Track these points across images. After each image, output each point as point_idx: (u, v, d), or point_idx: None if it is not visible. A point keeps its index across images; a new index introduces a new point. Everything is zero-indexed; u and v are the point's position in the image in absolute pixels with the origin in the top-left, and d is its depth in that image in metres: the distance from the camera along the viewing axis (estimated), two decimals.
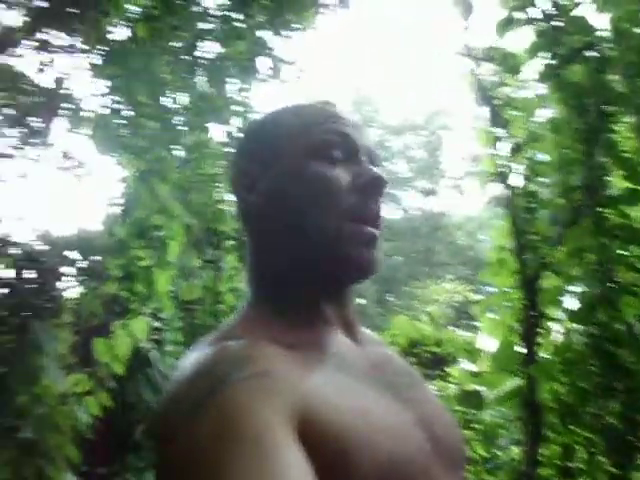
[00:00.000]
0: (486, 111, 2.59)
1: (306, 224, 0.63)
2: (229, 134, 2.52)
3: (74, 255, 2.08)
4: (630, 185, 2.03)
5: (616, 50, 2.30)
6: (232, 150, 2.80)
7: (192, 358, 0.55)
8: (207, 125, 2.36)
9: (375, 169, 0.65)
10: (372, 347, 0.68)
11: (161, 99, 2.15)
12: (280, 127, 0.68)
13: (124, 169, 2.42)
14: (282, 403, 0.48)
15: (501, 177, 2.45)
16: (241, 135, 0.74)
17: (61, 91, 2.53)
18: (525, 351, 2.10)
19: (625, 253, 1.96)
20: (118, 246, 2.04)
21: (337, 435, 0.49)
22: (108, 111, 2.25)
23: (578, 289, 2.08)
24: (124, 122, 2.25)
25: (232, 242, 3.50)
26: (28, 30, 2.72)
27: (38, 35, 2.73)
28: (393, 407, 0.58)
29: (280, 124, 0.68)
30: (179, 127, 2.22)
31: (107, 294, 2.24)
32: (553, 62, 2.25)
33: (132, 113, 2.13)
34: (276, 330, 0.59)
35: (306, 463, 0.45)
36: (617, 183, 2.13)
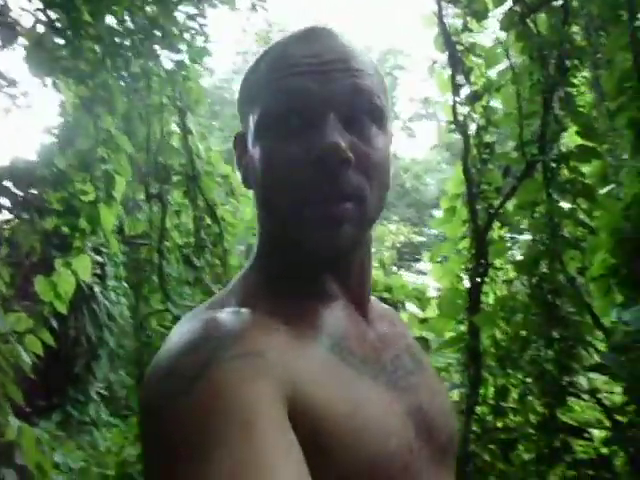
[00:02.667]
0: (447, 56, 2.53)
1: (268, 206, 0.58)
2: (179, 62, 2.36)
3: (9, 185, 1.94)
4: (583, 142, 2.05)
5: (579, 1, 2.28)
6: (181, 79, 2.64)
7: (185, 327, 0.52)
8: (157, 51, 2.20)
9: (331, 137, 0.53)
10: (379, 324, 0.64)
11: (106, 20, 1.97)
12: (248, 83, 0.61)
13: (62, 95, 2.24)
14: (273, 385, 0.46)
15: (458, 125, 2.43)
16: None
17: None
18: (470, 299, 2.17)
19: (574, 207, 2.01)
20: (58, 178, 1.91)
21: (322, 431, 0.48)
22: (44, 29, 2.04)
23: (525, 240, 2.14)
24: (63, 42, 2.06)
25: (179, 177, 3.38)
26: None
27: None
28: (386, 397, 0.56)
29: (249, 78, 0.61)
30: (126, 52, 2.05)
31: (46, 229, 2.12)
32: (517, 10, 2.21)
33: (72, 33, 1.95)
34: (274, 301, 0.56)
35: (295, 441, 0.44)
36: (571, 139, 2.15)
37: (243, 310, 0.53)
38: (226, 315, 0.52)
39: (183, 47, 2.48)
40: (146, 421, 0.48)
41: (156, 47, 2.17)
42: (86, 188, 2.01)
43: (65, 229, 2.09)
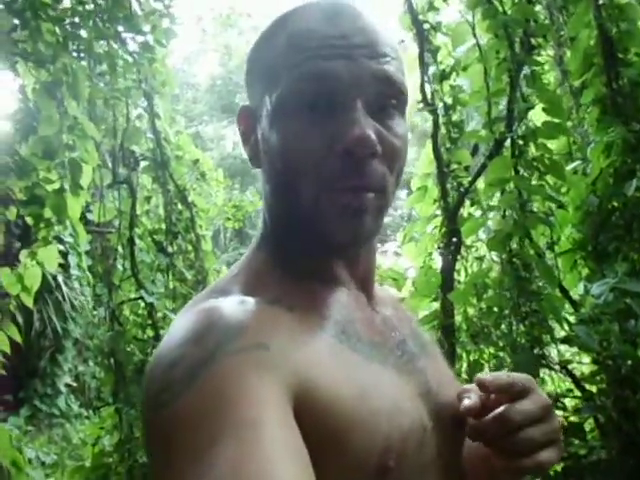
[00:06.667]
0: (413, 35, 2.53)
1: (285, 189, 0.56)
2: (145, 44, 2.28)
3: None
4: (549, 118, 2.08)
5: None
6: (146, 61, 2.56)
7: (187, 317, 0.50)
8: (121, 34, 2.12)
9: (361, 129, 0.51)
10: (384, 309, 0.64)
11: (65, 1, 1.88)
12: (263, 58, 0.58)
13: (21, 79, 2.14)
14: (277, 379, 0.45)
15: (426, 104, 2.44)
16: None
17: None
18: (444, 277, 2.20)
19: (541, 184, 2.05)
20: (21, 167, 1.83)
21: (334, 418, 0.47)
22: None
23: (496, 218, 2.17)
24: (18, 23, 1.97)
25: (147, 163, 3.30)
26: None
27: None
28: (396, 380, 0.55)
29: (266, 52, 0.58)
30: (89, 34, 1.97)
31: (8, 219, 2.05)
32: None
33: (30, 14, 1.85)
34: (279, 287, 0.55)
35: (301, 443, 0.43)
36: (538, 116, 2.19)
37: (247, 298, 0.52)
38: (230, 304, 0.51)
39: (147, 29, 2.40)
40: (148, 415, 0.46)
41: (120, 29, 2.08)
42: (51, 176, 1.94)
43: (29, 219, 2.01)
